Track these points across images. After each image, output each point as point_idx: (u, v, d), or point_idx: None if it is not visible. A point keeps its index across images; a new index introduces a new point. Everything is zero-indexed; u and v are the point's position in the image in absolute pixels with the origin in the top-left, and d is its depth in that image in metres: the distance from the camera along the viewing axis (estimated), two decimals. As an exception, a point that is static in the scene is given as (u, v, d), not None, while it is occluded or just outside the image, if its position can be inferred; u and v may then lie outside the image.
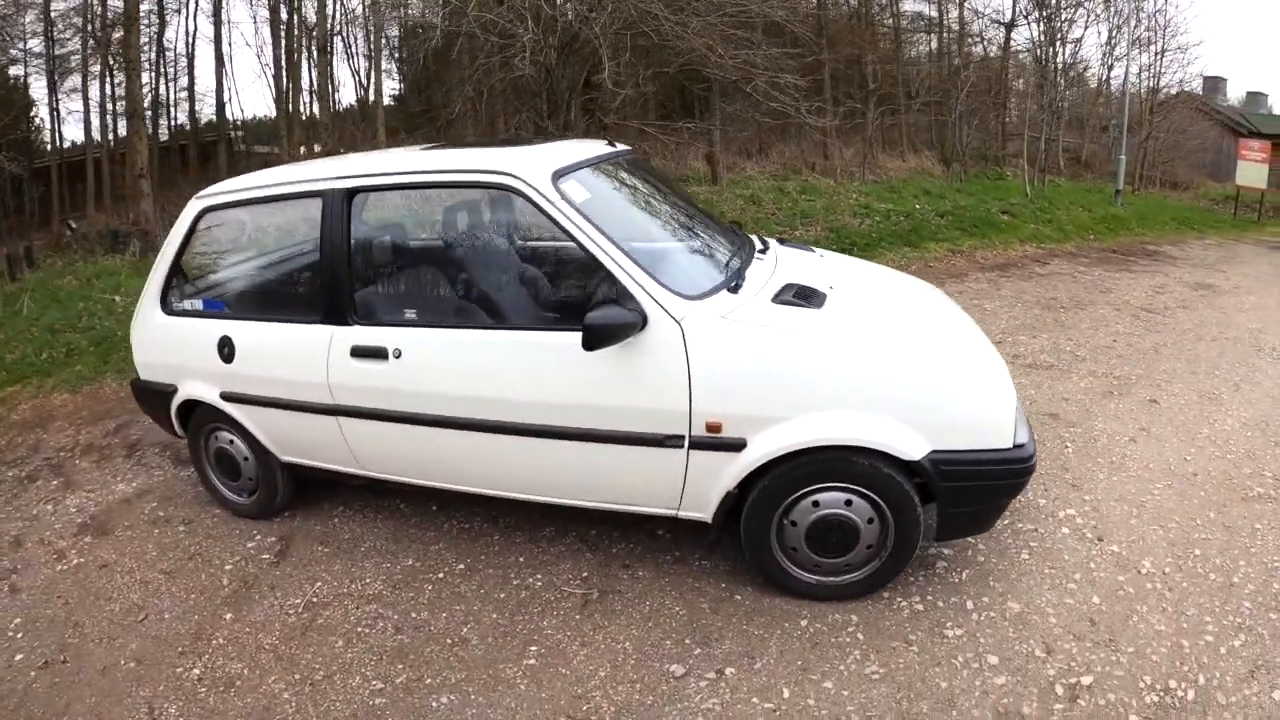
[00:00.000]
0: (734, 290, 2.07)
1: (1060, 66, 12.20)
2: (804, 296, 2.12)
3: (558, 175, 2.12)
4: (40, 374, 4.39)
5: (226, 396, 2.62)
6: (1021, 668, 1.92)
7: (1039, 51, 12.12)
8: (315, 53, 6.78)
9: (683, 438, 1.95)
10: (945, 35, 14.44)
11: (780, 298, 2.10)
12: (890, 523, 2.02)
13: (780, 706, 1.82)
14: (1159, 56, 14.53)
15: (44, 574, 2.65)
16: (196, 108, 14.09)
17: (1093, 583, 2.24)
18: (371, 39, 10.38)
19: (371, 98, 10.70)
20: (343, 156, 2.93)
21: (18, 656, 2.25)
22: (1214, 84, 18.93)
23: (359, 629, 2.24)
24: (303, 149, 9.52)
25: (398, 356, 2.24)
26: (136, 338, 2.87)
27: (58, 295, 5.23)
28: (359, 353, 2.30)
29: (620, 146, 2.69)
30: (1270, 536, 2.45)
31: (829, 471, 1.95)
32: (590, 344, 1.85)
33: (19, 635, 2.34)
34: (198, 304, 2.72)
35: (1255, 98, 21.94)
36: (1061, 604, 2.15)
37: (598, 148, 2.54)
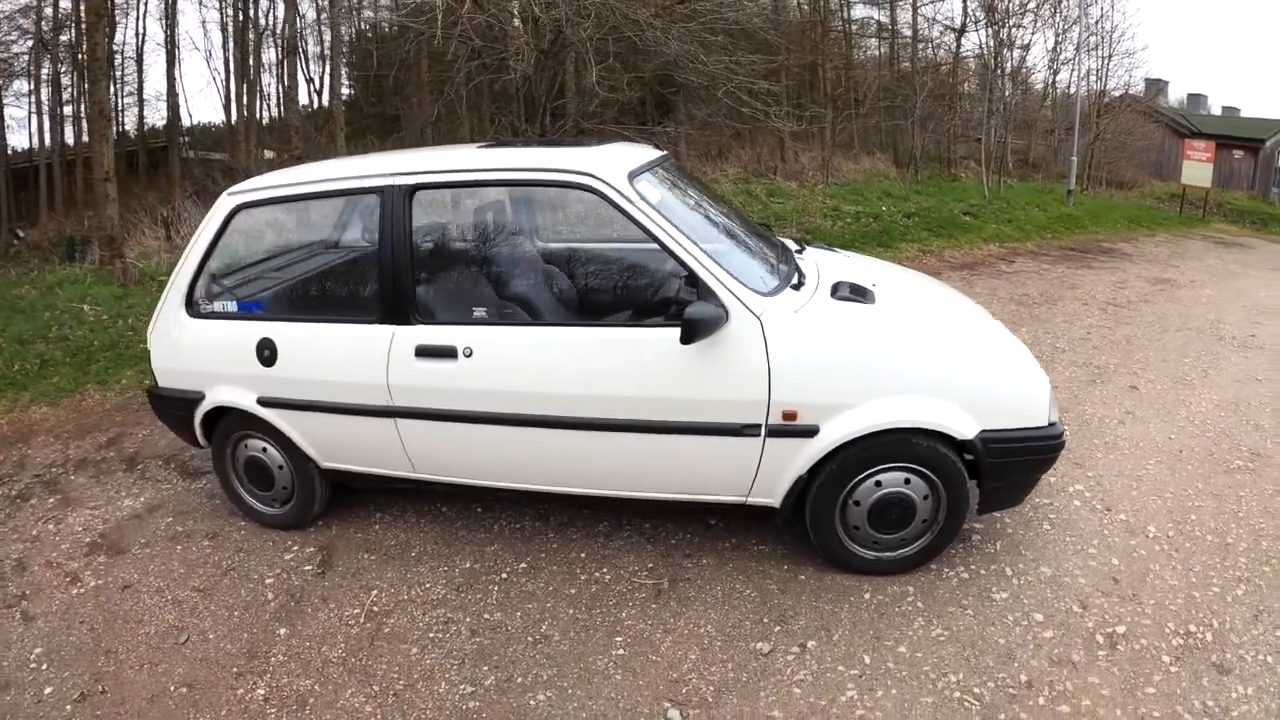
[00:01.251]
0: (797, 288, 2.32)
1: (1009, 71, 13.05)
2: (858, 293, 2.38)
3: (632, 176, 2.29)
4: (15, 387, 4.28)
5: (265, 402, 2.62)
6: (1064, 622, 2.22)
7: (988, 57, 12.93)
8: (283, 54, 6.73)
9: (759, 426, 2.17)
10: (896, 41, 15.24)
11: (838, 294, 2.35)
12: (943, 498, 2.30)
13: (864, 672, 2.06)
14: (1106, 61, 15.73)
15: (59, 599, 2.59)
16: (145, 113, 13.62)
17: (1109, 547, 2.59)
18: (328, 41, 10.26)
19: (327, 101, 10.58)
20: (391, 153, 2.97)
21: (47, 690, 2.17)
22: (1156, 86, 20.61)
23: (431, 634, 2.29)
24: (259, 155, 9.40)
25: (468, 355, 2.33)
26: (157, 343, 2.81)
27: (19, 305, 5.07)
28: (425, 352, 2.36)
29: (664, 151, 2.90)
30: (1253, 502, 2.86)
31: (891, 453, 2.21)
32: (689, 337, 2.05)
33: (44, 666, 2.25)
34: (230, 305, 2.70)
35: (1195, 99, 24.05)
36: (1086, 566, 2.48)
37: (650, 152, 2.74)
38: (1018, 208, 10.44)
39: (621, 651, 2.19)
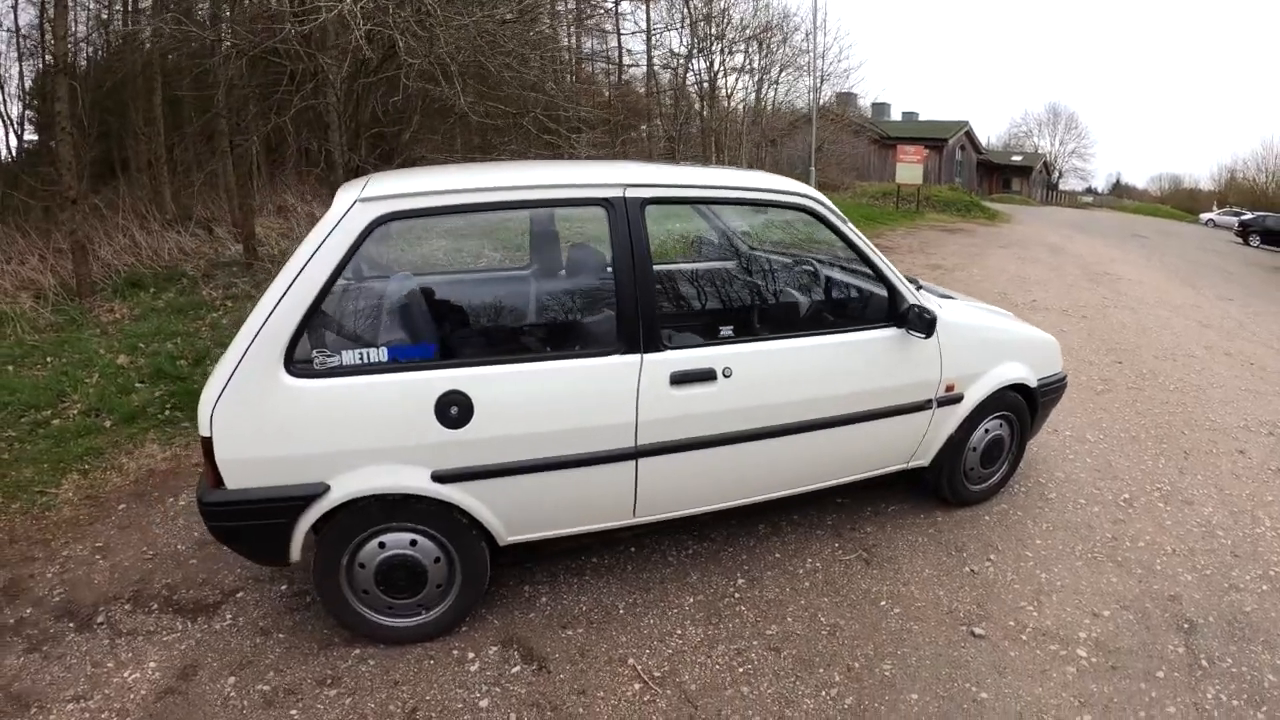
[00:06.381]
0: (919, 290, 3.48)
1: (728, 93, 16.14)
2: (936, 291, 3.65)
3: None
4: None
5: (444, 476, 2.37)
6: (1098, 499, 3.77)
7: (703, 83, 15.80)
8: (55, 68, 5.72)
9: (931, 401, 3.28)
10: (623, 65, 17.61)
11: (934, 293, 3.58)
12: (1018, 434, 3.68)
13: (1036, 560, 3.27)
14: (820, 80, 20.16)
15: None
16: None
17: (1077, 453, 4.29)
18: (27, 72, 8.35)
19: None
20: (573, 164, 3.10)
21: None
22: (846, 98, 26.71)
23: (744, 669, 2.51)
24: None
25: (727, 376, 2.63)
26: (230, 426, 2.24)
27: None
28: (682, 379, 2.55)
29: None
30: (1127, 410, 4.90)
31: (995, 405, 3.50)
32: (930, 331, 2.98)
33: None
34: (378, 354, 2.34)
35: (880, 107, 31.77)
36: (1077, 465, 4.12)
37: None
38: (775, 216, 13.11)
39: (898, 610, 2.88)
